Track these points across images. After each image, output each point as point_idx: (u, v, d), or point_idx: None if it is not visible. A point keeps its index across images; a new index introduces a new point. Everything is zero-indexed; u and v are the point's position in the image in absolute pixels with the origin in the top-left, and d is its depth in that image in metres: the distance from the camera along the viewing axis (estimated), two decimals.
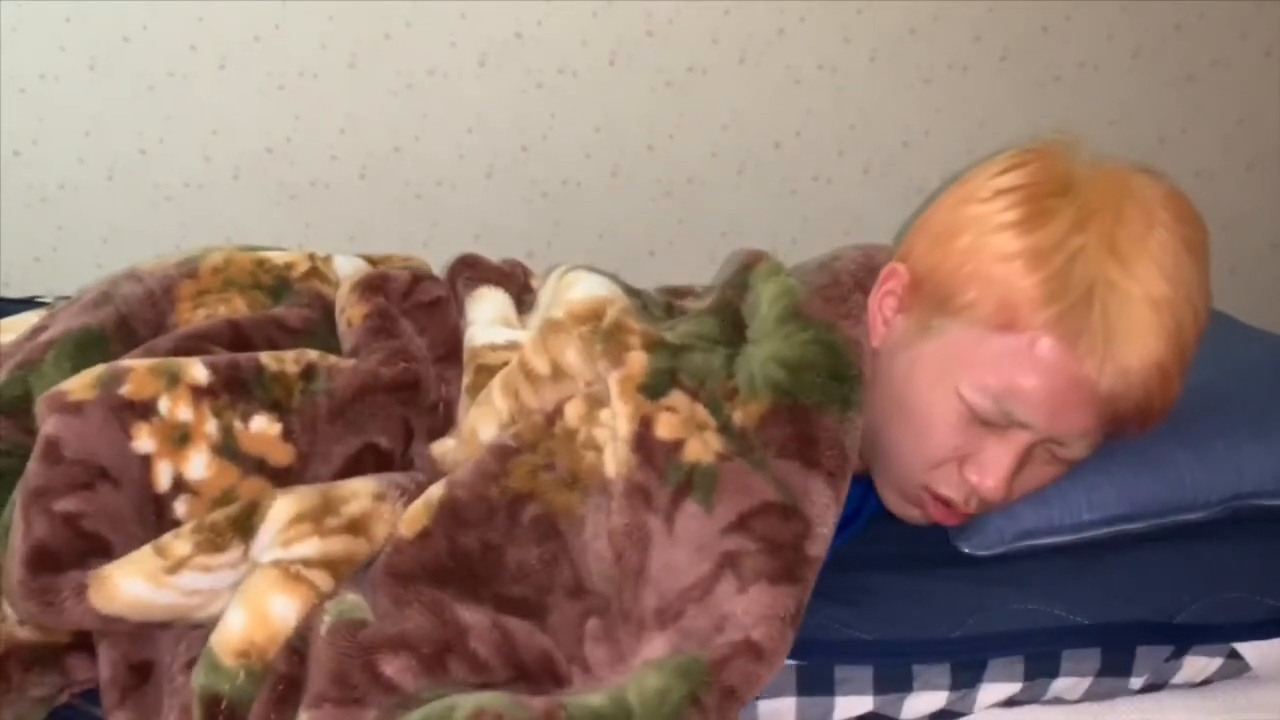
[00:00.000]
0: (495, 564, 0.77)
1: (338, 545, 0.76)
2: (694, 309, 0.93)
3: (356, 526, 0.78)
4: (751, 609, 0.75)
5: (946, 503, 0.86)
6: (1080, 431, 0.83)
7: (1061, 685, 0.85)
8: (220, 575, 0.75)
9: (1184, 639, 0.86)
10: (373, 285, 0.95)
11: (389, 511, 0.79)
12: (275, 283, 0.98)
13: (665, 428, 0.80)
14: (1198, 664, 0.87)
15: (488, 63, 1.64)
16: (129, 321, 0.93)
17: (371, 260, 1.05)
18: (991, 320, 0.81)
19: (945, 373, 0.83)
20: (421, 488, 0.82)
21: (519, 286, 1.03)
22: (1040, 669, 0.84)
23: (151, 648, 0.77)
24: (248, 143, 1.63)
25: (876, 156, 1.76)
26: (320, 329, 0.95)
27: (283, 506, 0.76)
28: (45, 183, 1.61)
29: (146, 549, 0.75)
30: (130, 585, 0.73)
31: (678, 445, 0.79)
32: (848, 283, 0.90)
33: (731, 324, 0.90)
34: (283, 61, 1.59)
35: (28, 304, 1.34)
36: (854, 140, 1.75)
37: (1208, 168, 1.83)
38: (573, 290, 0.90)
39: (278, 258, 1.01)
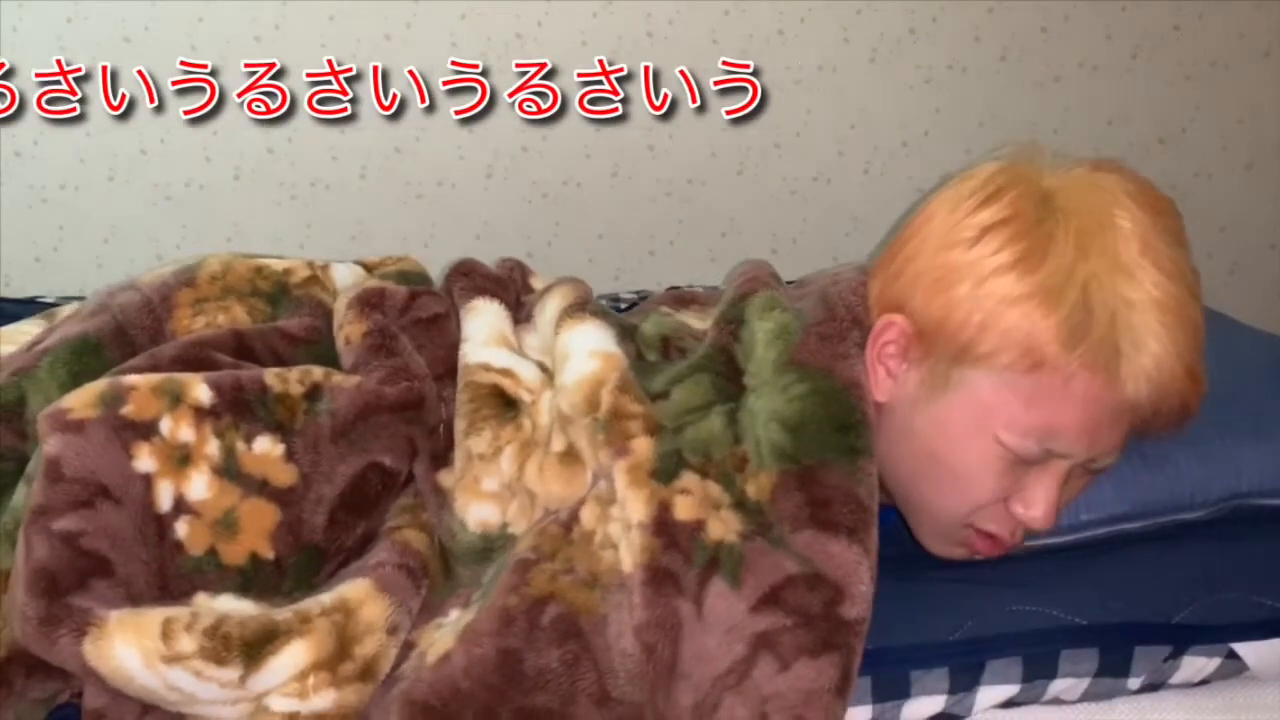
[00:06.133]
0: (513, 672, 0.74)
1: (350, 696, 0.75)
2: (683, 366, 0.90)
3: (368, 671, 0.76)
4: (798, 685, 0.74)
5: (992, 536, 0.86)
6: (1117, 446, 0.84)
7: (1060, 686, 0.85)
8: (207, 687, 0.72)
9: (1182, 639, 0.86)
10: (370, 302, 0.93)
11: (395, 646, 0.78)
12: (274, 289, 0.98)
13: (684, 510, 0.78)
14: (1196, 664, 0.87)
15: (488, 63, 1.64)
16: (125, 330, 0.92)
17: (366, 265, 1.03)
18: (1018, 365, 0.80)
19: (980, 422, 0.82)
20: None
21: (517, 290, 1.01)
22: (1038, 670, 0.84)
23: (113, 704, 0.75)
24: (248, 143, 1.63)
25: (876, 156, 1.76)
26: (324, 338, 0.94)
27: (299, 651, 0.73)
28: (45, 183, 1.61)
29: (159, 619, 0.72)
30: (124, 653, 0.71)
31: (699, 525, 0.78)
32: (845, 318, 0.88)
33: (726, 375, 0.88)
34: (282, 61, 1.59)
35: (29, 304, 1.35)
36: (854, 140, 1.75)
37: (1207, 168, 1.83)
38: (567, 366, 0.87)
39: (276, 264, 1.00)
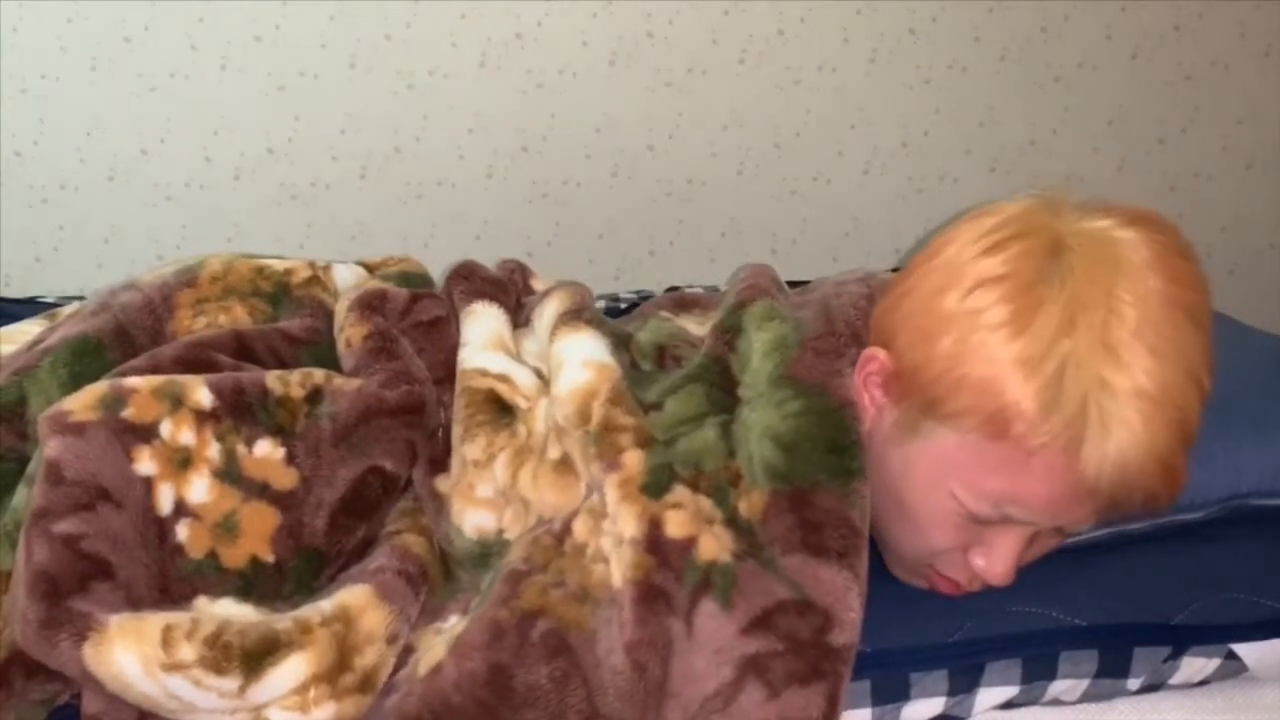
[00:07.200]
0: (503, 688, 0.74)
1: (350, 708, 0.75)
2: (677, 376, 0.89)
3: (367, 682, 0.76)
4: (786, 714, 0.73)
5: (952, 580, 0.86)
6: (1084, 519, 0.81)
7: (1059, 687, 0.85)
8: (206, 696, 0.72)
9: (1181, 640, 0.86)
10: (371, 304, 0.92)
11: (394, 655, 0.78)
12: (275, 289, 0.98)
13: (675, 526, 0.78)
14: (1195, 665, 0.87)
15: (488, 63, 1.64)
16: (126, 330, 0.92)
17: (367, 266, 1.03)
18: (983, 429, 0.77)
19: (939, 477, 0.80)
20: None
21: (517, 292, 1.01)
22: (1038, 671, 0.84)
23: (110, 708, 0.75)
24: (248, 143, 1.63)
25: (876, 156, 1.76)
26: (325, 339, 0.94)
27: (299, 663, 0.73)
28: (45, 183, 1.61)
29: (160, 625, 0.72)
30: (124, 659, 0.70)
31: (691, 542, 0.77)
32: (844, 333, 0.87)
33: (720, 387, 0.87)
34: (283, 61, 1.60)
35: (29, 304, 1.35)
36: (854, 140, 1.75)
37: (1207, 168, 1.83)
38: (561, 375, 0.87)
39: (277, 265, 1.00)
